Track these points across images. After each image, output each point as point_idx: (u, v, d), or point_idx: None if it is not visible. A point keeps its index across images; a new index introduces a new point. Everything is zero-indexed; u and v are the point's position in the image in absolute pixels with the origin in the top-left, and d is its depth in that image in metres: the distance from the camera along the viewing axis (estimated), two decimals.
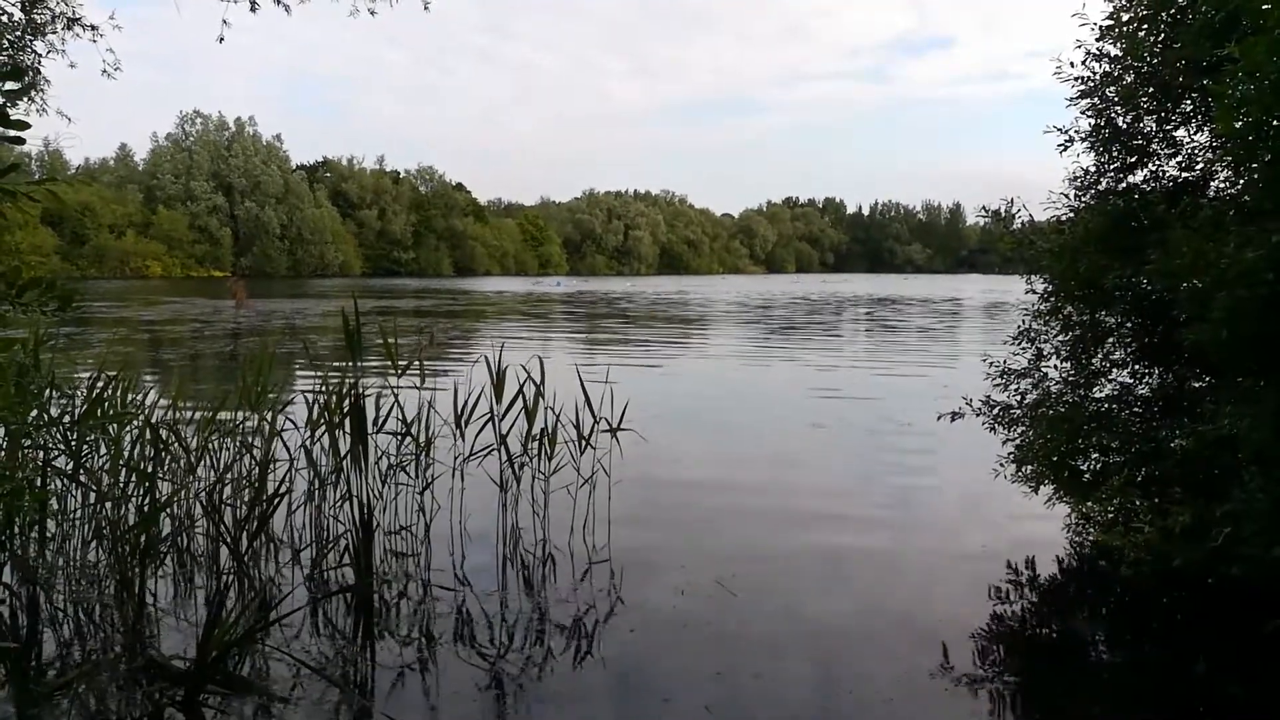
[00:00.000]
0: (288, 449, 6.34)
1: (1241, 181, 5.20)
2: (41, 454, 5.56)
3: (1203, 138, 5.85)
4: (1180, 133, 5.97)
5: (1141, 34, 5.79)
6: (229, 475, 6.20)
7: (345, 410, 6.03)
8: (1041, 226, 6.61)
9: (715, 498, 7.89)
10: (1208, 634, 5.07)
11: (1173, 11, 5.63)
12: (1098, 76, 6.05)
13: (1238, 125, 4.49)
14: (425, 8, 7.90)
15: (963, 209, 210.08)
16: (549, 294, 63.68)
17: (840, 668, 4.58)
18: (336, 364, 8.38)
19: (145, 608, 5.09)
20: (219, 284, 64.55)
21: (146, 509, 5.62)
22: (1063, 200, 6.34)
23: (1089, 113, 6.11)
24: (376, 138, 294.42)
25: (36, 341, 5.69)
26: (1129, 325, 6.13)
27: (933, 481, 8.71)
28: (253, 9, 7.56)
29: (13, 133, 2.75)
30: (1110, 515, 6.25)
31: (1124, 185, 6.12)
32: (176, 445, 6.16)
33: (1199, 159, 5.93)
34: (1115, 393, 6.24)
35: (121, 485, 5.79)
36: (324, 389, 6.30)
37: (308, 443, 6.33)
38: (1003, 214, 6.79)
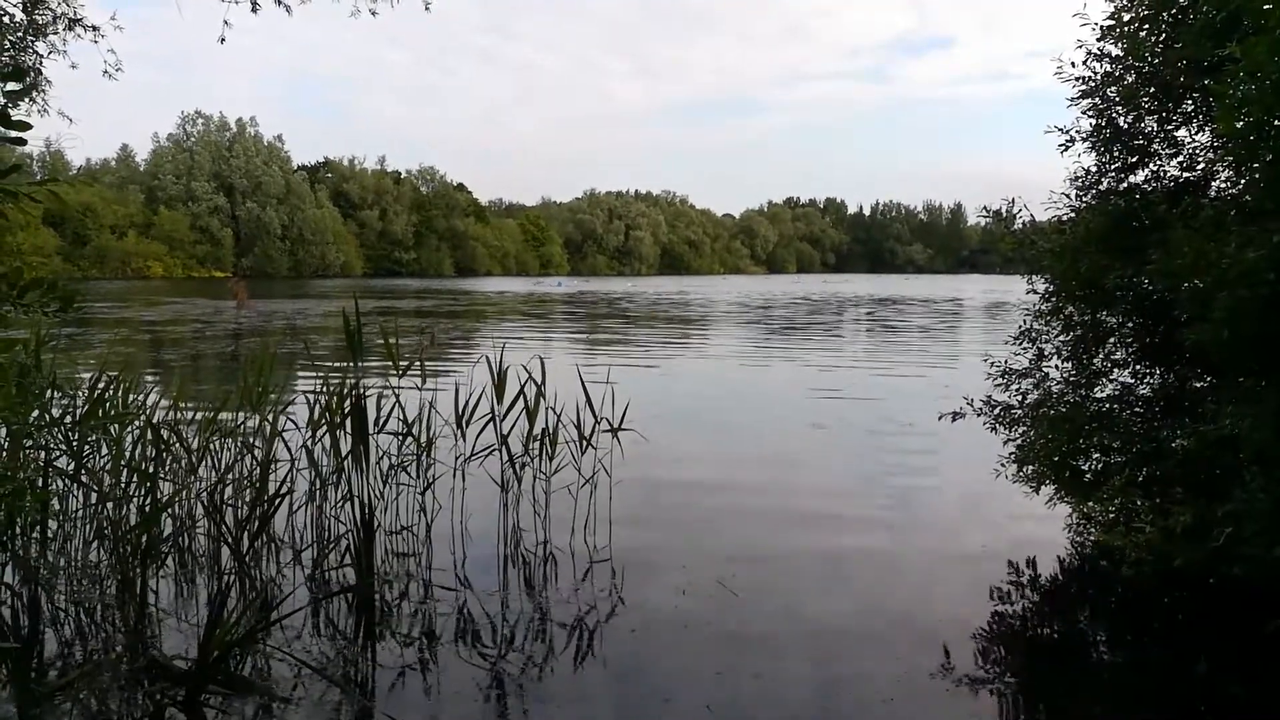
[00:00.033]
0: (289, 449, 6.34)
1: (1243, 181, 5.20)
2: (43, 454, 5.57)
3: (1204, 138, 5.85)
4: (1181, 133, 5.97)
5: (1143, 34, 5.79)
6: (230, 475, 6.20)
7: (346, 410, 6.04)
8: (1042, 226, 6.61)
9: (716, 498, 7.89)
10: (1209, 634, 5.07)
11: (1174, 11, 5.63)
12: (1099, 76, 6.05)
13: (1239, 125, 4.49)
14: (426, 8, 7.92)
15: (964, 209, 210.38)
16: (550, 294, 63.68)
17: (840, 668, 4.58)
18: (337, 364, 8.38)
19: (146, 608, 5.10)
20: (220, 284, 64.59)
21: (148, 509, 5.62)
22: (1064, 200, 6.34)
23: (1090, 113, 6.11)
24: (378, 138, 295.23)
25: (38, 342, 5.70)
26: (1130, 325, 6.13)
27: (933, 482, 8.71)
28: (254, 9, 7.57)
29: (14, 133, 2.75)
30: (1111, 515, 6.25)
31: (1125, 185, 6.12)
32: (178, 445, 6.17)
33: (1200, 159, 5.93)
34: (1116, 393, 6.24)
35: (123, 485, 5.80)
36: (325, 389, 6.30)
37: (309, 443, 6.34)
38: (1004, 214, 6.79)
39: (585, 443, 6.97)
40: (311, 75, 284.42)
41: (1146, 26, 5.79)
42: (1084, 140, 6.14)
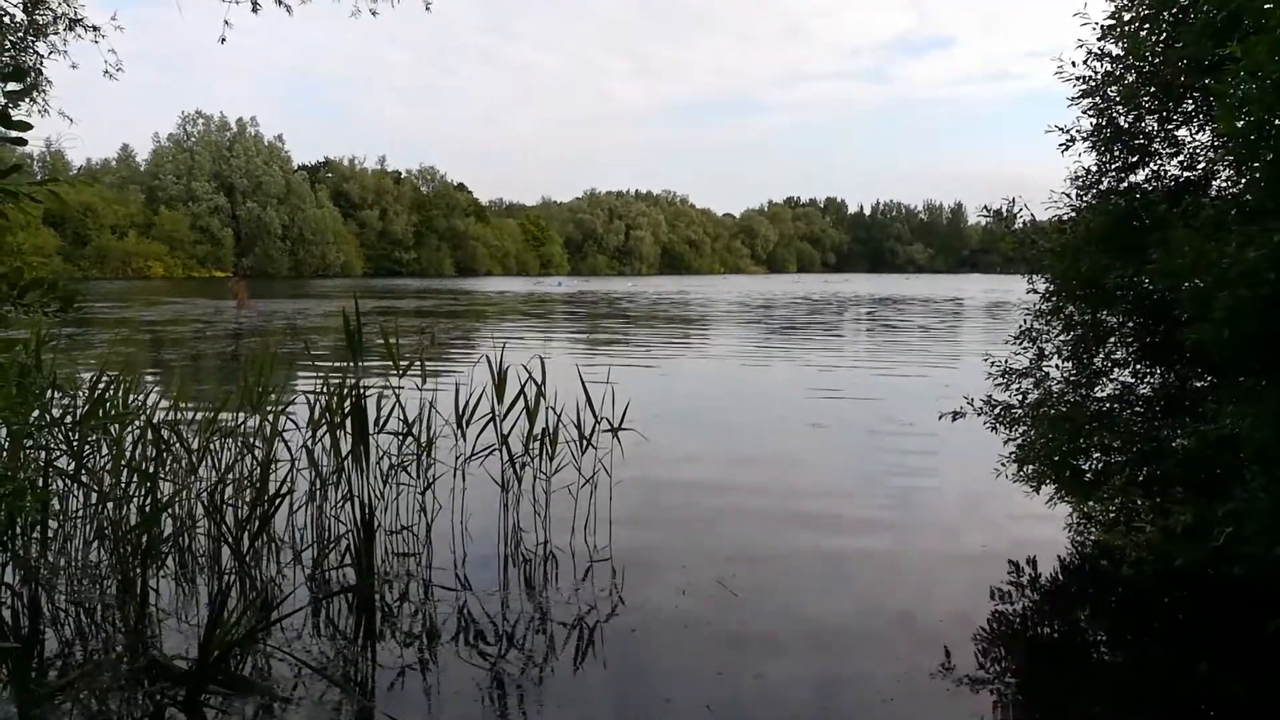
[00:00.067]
0: (289, 449, 6.34)
1: (1243, 181, 5.20)
2: (43, 454, 5.57)
3: (1204, 137, 5.85)
4: (1182, 132, 5.97)
5: (1143, 33, 5.79)
6: (230, 475, 6.20)
7: (346, 410, 6.04)
8: (1043, 226, 6.61)
9: (716, 498, 7.89)
10: (1209, 634, 5.06)
11: (1174, 11, 5.63)
12: (1099, 76, 6.05)
13: (1239, 124, 4.49)
14: (427, 8, 7.93)
15: (964, 209, 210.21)
16: (550, 294, 63.68)
17: (840, 668, 4.58)
18: (338, 364, 8.38)
19: (147, 608, 5.10)
20: (220, 284, 64.60)
21: (148, 509, 5.62)
22: (1064, 200, 6.34)
23: (1090, 112, 6.10)
24: (378, 138, 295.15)
25: (38, 342, 5.70)
26: (1130, 325, 6.13)
27: (934, 481, 8.71)
28: (254, 9, 7.58)
29: (15, 134, 2.76)
30: (1112, 515, 6.26)
31: (1125, 185, 6.12)
32: (178, 445, 6.17)
33: (1200, 158, 5.92)
34: (1117, 392, 6.24)
35: (123, 485, 5.80)
36: (325, 389, 6.30)
37: (309, 443, 6.34)
38: (1004, 214, 6.79)
39: (585, 443, 6.97)
40: (311, 75, 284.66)
41: (1147, 26, 5.79)
42: (1084, 140, 6.14)
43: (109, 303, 43.21)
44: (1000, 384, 6.72)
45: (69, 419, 5.74)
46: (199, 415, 6.58)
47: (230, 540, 5.77)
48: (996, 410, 6.69)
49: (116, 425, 5.84)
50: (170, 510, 5.86)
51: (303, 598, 5.30)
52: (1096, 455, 6.04)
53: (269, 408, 6.30)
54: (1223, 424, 4.58)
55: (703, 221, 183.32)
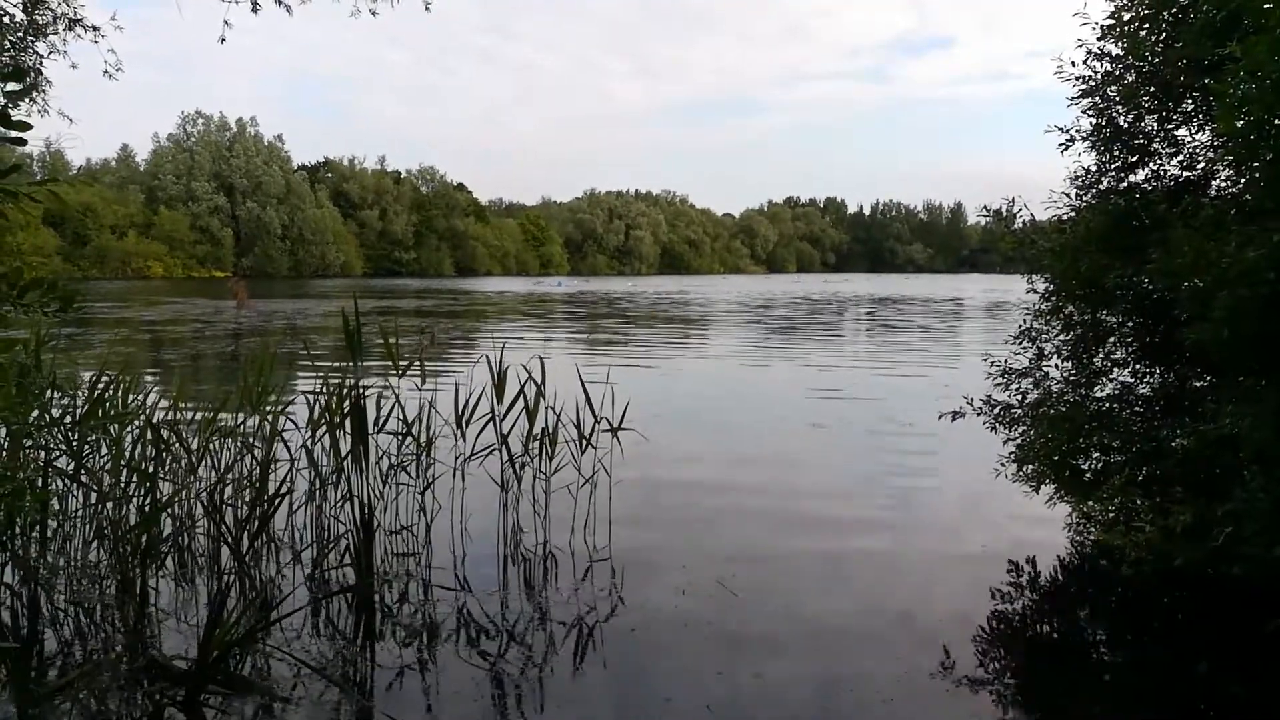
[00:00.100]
0: (288, 449, 6.34)
1: (1243, 181, 5.20)
2: (43, 454, 5.56)
3: (1204, 137, 5.85)
4: (1181, 132, 5.97)
5: (1143, 33, 5.79)
6: (230, 475, 6.20)
7: (346, 410, 6.03)
8: (1043, 226, 6.61)
9: (716, 498, 7.89)
10: (1209, 634, 5.07)
11: (1174, 10, 5.63)
12: (1099, 76, 6.05)
13: (1239, 124, 4.49)
14: (427, 8, 7.93)
15: (964, 208, 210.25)
16: (550, 294, 63.68)
17: (840, 668, 4.58)
18: (337, 364, 8.39)
19: (146, 608, 5.10)
20: (220, 284, 64.59)
21: (147, 509, 5.62)
22: (1064, 199, 6.34)
23: (1090, 112, 6.11)
24: (378, 138, 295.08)
25: (38, 342, 5.70)
26: (1130, 324, 6.13)
27: (933, 481, 8.71)
28: (254, 9, 7.58)
29: (14, 134, 2.75)
30: (1111, 515, 6.26)
31: (1125, 184, 6.12)
32: (177, 445, 6.17)
33: (1200, 158, 5.92)
34: (1116, 392, 6.24)
35: (122, 485, 5.80)
36: (325, 389, 6.30)
37: (308, 443, 6.33)
38: (1004, 213, 6.79)
39: (585, 442, 6.97)
40: (311, 75, 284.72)
41: (1147, 26, 5.79)
42: (1084, 140, 6.14)
43: (108, 303, 43.21)
44: (1000, 384, 6.72)
45: (68, 419, 5.73)
46: (199, 415, 6.58)
47: (230, 540, 5.77)
48: (996, 410, 6.69)
49: (116, 425, 5.84)
50: (170, 510, 5.86)
51: (302, 598, 5.30)
52: (1096, 455, 6.04)
53: (268, 408, 6.30)
54: (1222, 424, 4.58)
55: (702, 221, 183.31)
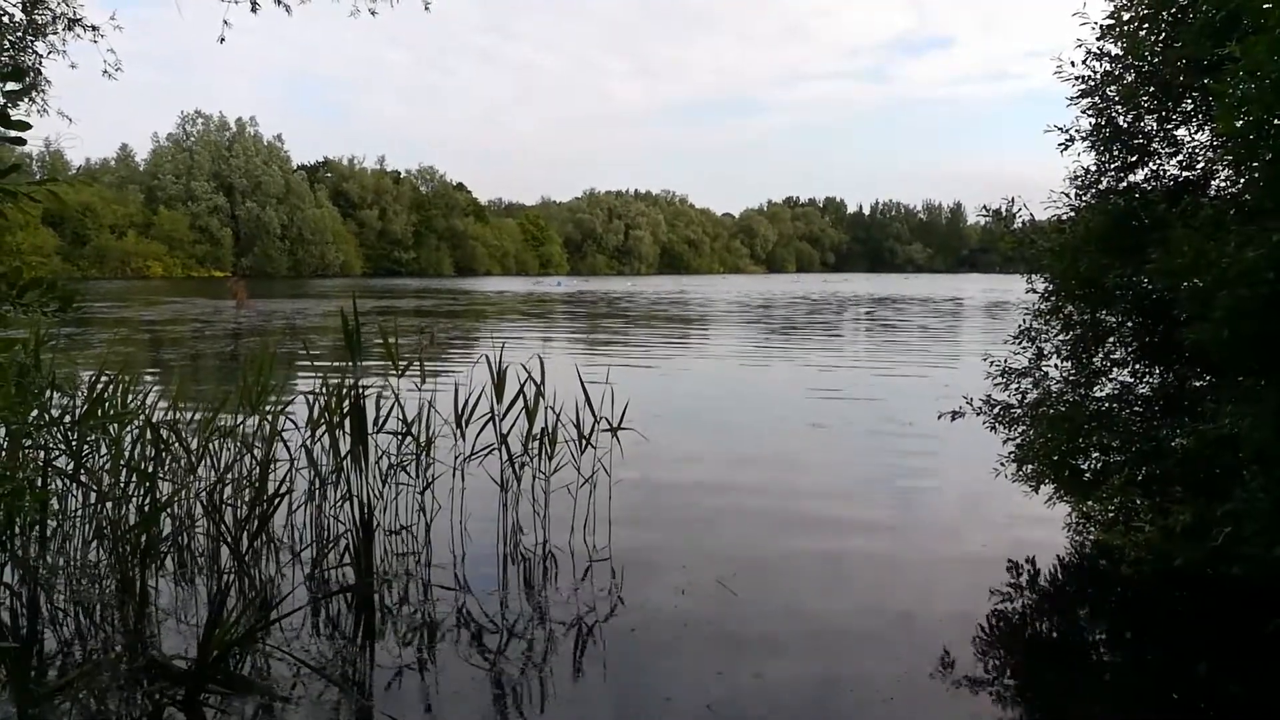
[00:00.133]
0: (288, 449, 6.34)
1: (1242, 180, 5.20)
2: (42, 454, 5.56)
3: (1203, 137, 5.86)
4: (1181, 132, 5.97)
5: (1142, 33, 5.79)
6: (229, 475, 6.20)
7: (345, 410, 6.03)
8: (1042, 226, 6.61)
9: (716, 497, 7.89)
10: (1209, 633, 5.06)
11: (1174, 10, 5.63)
12: (1098, 76, 6.05)
13: (1238, 124, 4.49)
14: (426, 8, 7.91)
15: (963, 208, 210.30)
16: (549, 294, 63.68)
17: (840, 668, 4.58)
18: (337, 364, 8.39)
19: (146, 607, 5.10)
20: (220, 284, 64.54)
21: (147, 509, 5.62)
22: (1063, 199, 6.35)
23: (1089, 112, 6.11)
24: (378, 138, 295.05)
25: (37, 342, 5.70)
26: (1130, 324, 6.13)
27: (933, 481, 8.71)
28: (254, 9, 7.56)
29: (14, 133, 2.75)
30: (1111, 514, 6.26)
31: (1125, 184, 6.12)
32: (177, 445, 6.17)
33: (1200, 158, 5.93)
34: (1116, 392, 6.24)
35: (122, 485, 5.80)
36: (324, 389, 6.30)
37: (308, 443, 6.33)
38: (1003, 213, 6.80)
39: (585, 442, 6.97)
40: (311, 75, 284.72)
41: (1146, 26, 5.79)
42: (1083, 139, 6.14)
43: (108, 302, 43.20)
44: (999, 384, 6.72)
45: (68, 418, 5.73)
46: (198, 415, 6.58)
47: (229, 540, 5.77)
48: (996, 410, 6.69)
49: (115, 425, 5.84)
50: (169, 510, 5.86)
51: (302, 597, 5.29)
52: (1095, 455, 6.04)
53: (268, 408, 6.30)
54: (1222, 424, 4.58)
55: (702, 221, 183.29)
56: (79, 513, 5.80)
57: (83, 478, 5.77)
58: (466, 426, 6.80)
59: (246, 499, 6.05)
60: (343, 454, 6.10)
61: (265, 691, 4.09)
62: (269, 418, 6.21)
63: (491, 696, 4.20)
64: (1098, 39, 6.02)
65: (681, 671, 4.45)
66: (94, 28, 8.54)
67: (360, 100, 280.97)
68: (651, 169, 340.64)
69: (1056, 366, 6.50)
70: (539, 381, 6.89)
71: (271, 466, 6.02)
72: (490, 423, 6.82)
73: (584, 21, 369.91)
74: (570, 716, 4.04)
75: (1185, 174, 5.99)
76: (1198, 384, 5.83)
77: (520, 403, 6.83)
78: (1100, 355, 6.32)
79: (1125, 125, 6.03)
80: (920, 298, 58.98)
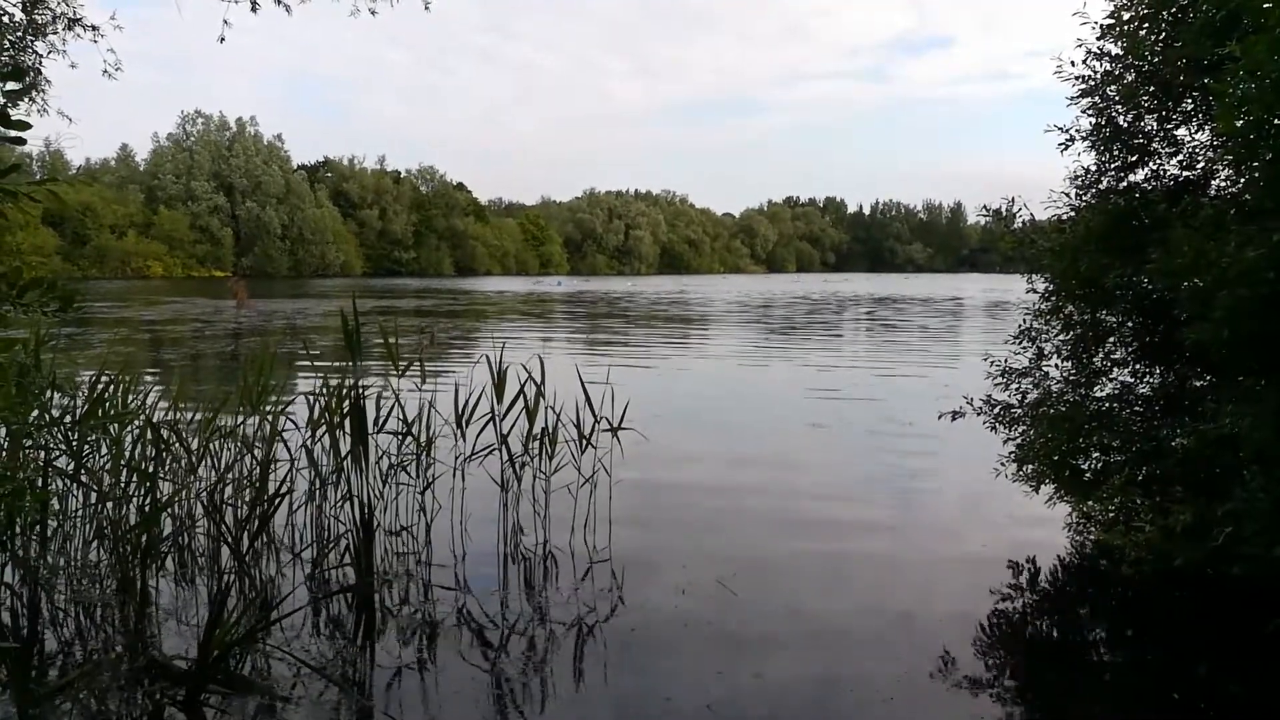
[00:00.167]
0: (288, 449, 6.34)
1: (1242, 180, 5.20)
2: (43, 454, 5.56)
3: (1204, 136, 5.86)
4: (1181, 131, 5.97)
5: (1142, 33, 5.79)
6: (230, 475, 6.20)
7: (346, 410, 6.04)
8: (1042, 225, 6.61)
9: (716, 498, 7.89)
10: (1209, 633, 5.07)
11: (1174, 10, 5.63)
12: (1098, 75, 6.05)
13: (1239, 124, 4.49)
14: (426, 8, 7.91)
15: (964, 208, 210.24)
16: (550, 294, 63.68)
17: (840, 668, 4.58)
18: (337, 364, 8.39)
19: (146, 608, 5.10)
20: (220, 284, 64.56)
21: (147, 509, 5.62)
22: (1063, 199, 6.35)
23: (1090, 112, 6.11)
24: (378, 138, 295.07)
25: (38, 342, 5.70)
26: (1130, 324, 6.13)
27: (933, 481, 8.71)
28: (254, 9, 7.56)
29: (14, 133, 2.75)
30: (1111, 514, 6.26)
31: (1125, 184, 6.12)
32: (177, 445, 6.17)
33: (1200, 158, 5.93)
34: (1116, 392, 6.24)
35: (122, 485, 5.79)
36: (324, 389, 6.30)
37: (308, 443, 6.33)
38: (1004, 213, 6.80)
39: (585, 442, 6.97)
40: (311, 75, 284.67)
41: (1146, 25, 5.79)
42: (1084, 139, 6.14)
43: (108, 302, 43.19)
44: (1000, 384, 6.72)
45: (68, 419, 5.73)
46: (198, 415, 6.58)
47: (230, 540, 5.77)
48: (996, 410, 6.69)
49: (116, 425, 5.84)
50: (170, 510, 5.86)
51: (302, 597, 5.29)
52: (1096, 455, 6.04)
53: (268, 408, 6.30)
54: (1222, 424, 4.58)
55: (702, 221, 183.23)
56: (79, 513, 5.80)
57: (83, 478, 5.77)
58: (467, 426, 6.80)
59: (247, 499, 6.05)
60: (343, 454, 6.10)
61: (266, 691, 4.09)
62: (269, 418, 6.21)
63: (491, 696, 4.20)
64: (1098, 39, 6.03)
65: (681, 671, 4.45)
66: (94, 28, 8.55)
67: (360, 100, 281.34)
68: (651, 169, 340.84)
69: (1057, 366, 6.50)
70: (539, 381, 6.89)
71: (272, 466, 6.02)
72: (490, 423, 6.83)
73: (584, 21, 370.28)
74: (570, 716, 4.04)
75: (1185, 174, 5.99)
76: (1198, 384, 5.83)
77: (520, 403, 6.83)
78: (1100, 355, 6.32)
79: (1125, 125, 6.03)
80: (920, 297, 58.97)
